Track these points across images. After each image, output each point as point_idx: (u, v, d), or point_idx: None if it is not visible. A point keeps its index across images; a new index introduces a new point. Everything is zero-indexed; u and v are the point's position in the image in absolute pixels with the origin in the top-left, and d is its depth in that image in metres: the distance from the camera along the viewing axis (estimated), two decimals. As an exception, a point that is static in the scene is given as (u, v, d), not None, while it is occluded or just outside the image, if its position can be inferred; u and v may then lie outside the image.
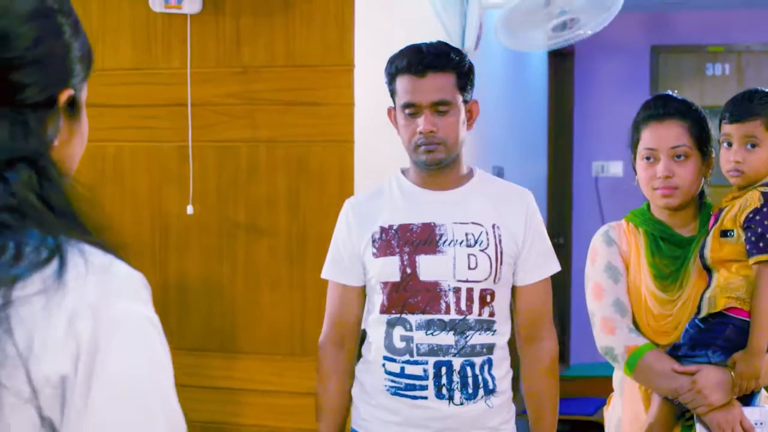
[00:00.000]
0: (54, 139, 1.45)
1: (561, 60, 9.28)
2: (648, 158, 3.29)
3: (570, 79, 9.55)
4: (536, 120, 8.73)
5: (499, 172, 6.75)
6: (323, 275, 3.40)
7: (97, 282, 1.37)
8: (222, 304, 4.36)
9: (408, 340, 3.19)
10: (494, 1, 5.59)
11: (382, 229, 3.25)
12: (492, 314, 3.22)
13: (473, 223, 3.23)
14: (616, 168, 9.31)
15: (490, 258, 3.20)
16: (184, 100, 4.33)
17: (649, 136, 3.30)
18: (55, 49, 1.46)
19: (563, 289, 8.83)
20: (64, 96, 1.47)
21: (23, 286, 1.32)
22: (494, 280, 3.21)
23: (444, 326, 3.17)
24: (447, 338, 3.17)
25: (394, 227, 3.24)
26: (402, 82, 3.20)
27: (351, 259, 3.31)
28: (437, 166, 3.23)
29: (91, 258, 1.40)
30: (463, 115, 3.23)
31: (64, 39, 1.48)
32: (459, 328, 3.17)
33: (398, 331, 3.21)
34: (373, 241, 3.25)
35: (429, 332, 3.17)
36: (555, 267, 3.35)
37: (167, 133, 4.40)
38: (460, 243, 3.20)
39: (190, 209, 4.31)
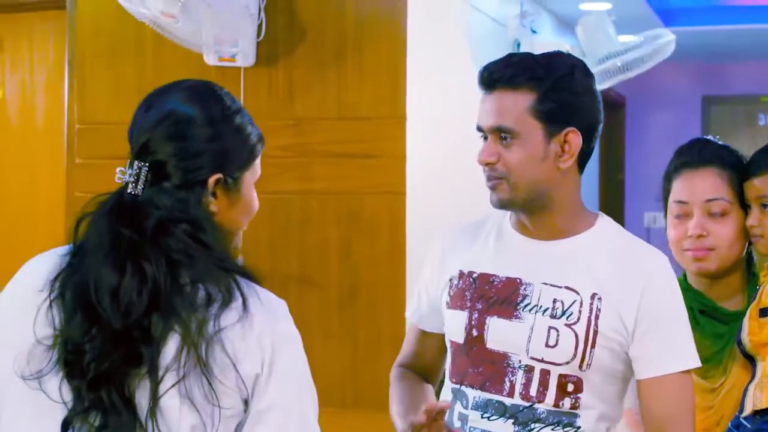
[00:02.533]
0: (207, 208, 2.02)
1: (612, 110, 9.27)
2: (678, 214, 2.77)
3: (621, 130, 9.54)
4: (587, 170, 8.69)
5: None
6: (406, 313, 2.82)
7: (266, 310, 1.98)
8: (274, 355, 4.35)
9: (464, 420, 2.52)
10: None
11: (461, 275, 2.56)
12: (575, 407, 2.43)
13: (567, 288, 2.45)
14: (668, 219, 9.26)
15: (577, 336, 2.42)
16: (237, 151, 4.35)
17: (680, 187, 2.77)
18: (191, 149, 2.01)
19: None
20: (212, 180, 2.01)
21: (225, 317, 1.91)
22: (580, 366, 2.42)
23: (503, 411, 2.45)
24: (504, 427, 2.45)
25: (475, 275, 2.54)
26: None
27: (431, 302, 2.66)
28: (505, 209, 2.53)
29: (258, 291, 2.01)
30: (541, 149, 2.43)
31: (234, 131, 2.08)
32: (521, 418, 2.44)
33: (457, 407, 2.54)
34: (450, 287, 2.59)
35: (485, 415, 2.47)
36: (687, 361, 2.46)
37: (220, 184, 4.42)
38: (544, 311, 2.45)
39: (240, 260, 4.32)
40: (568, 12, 6.65)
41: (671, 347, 2.44)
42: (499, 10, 5.53)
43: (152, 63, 4.52)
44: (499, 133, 2.43)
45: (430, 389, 2.73)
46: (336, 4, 4.30)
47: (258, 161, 2.15)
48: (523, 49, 5.46)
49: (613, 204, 9.28)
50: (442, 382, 2.69)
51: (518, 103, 2.41)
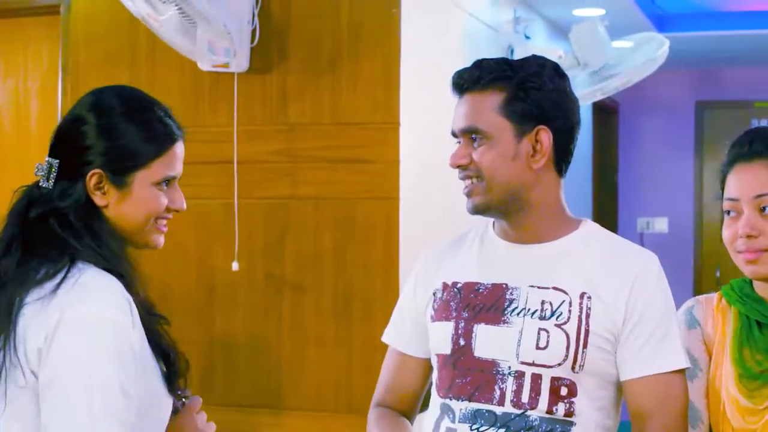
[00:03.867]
0: (83, 201, 2.13)
1: (606, 115, 9.28)
2: (729, 212, 2.46)
3: (614, 135, 9.54)
4: (581, 175, 8.72)
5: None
6: (383, 338, 2.69)
7: (76, 293, 2.02)
8: (268, 360, 4.36)
9: None
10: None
11: (445, 287, 2.50)
12: (569, 414, 2.33)
13: (555, 288, 2.38)
14: (661, 224, 9.27)
15: (568, 336, 2.34)
16: (231, 157, 4.37)
17: (731, 183, 2.46)
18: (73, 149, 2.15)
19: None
20: (90, 175, 2.12)
21: (33, 293, 2.04)
22: (573, 368, 2.33)
23: (493, 421, 2.35)
24: None
25: (459, 285, 2.47)
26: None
27: (414, 322, 2.57)
28: (482, 214, 2.46)
29: (83, 278, 2.04)
30: (512, 148, 2.39)
31: (108, 131, 2.14)
32: (513, 427, 2.33)
33: (444, 422, 2.43)
34: (434, 301, 2.51)
35: (474, 426, 2.36)
36: (676, 361, 2.37)
37: (214, 190, 4.43)
38: (532, 313, 2.37)
39: (235, 266, 4.33)
40: (561, 18, 6.66)
41: (656, 347, 2.35)
42: (492, 16, 5.55)
43: (146, 69, 4.53)
44: (470, 135, 2.41)
45: (407, 428, 2.60)
46: (330, 11, 4.31)
47: (168, 159, 2.20)
48: (517, 55, 5.47)
49: (607, 209, 9.28)
50: (426, 400, 2.59)
51: (487, 104, 2.39)
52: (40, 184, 2.16)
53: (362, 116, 4.25)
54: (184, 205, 2.27)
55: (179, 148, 2.23)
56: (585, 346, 2.33)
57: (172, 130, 2.22)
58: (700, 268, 9.17)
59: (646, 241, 9.26)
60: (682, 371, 2.39)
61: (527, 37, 5.89)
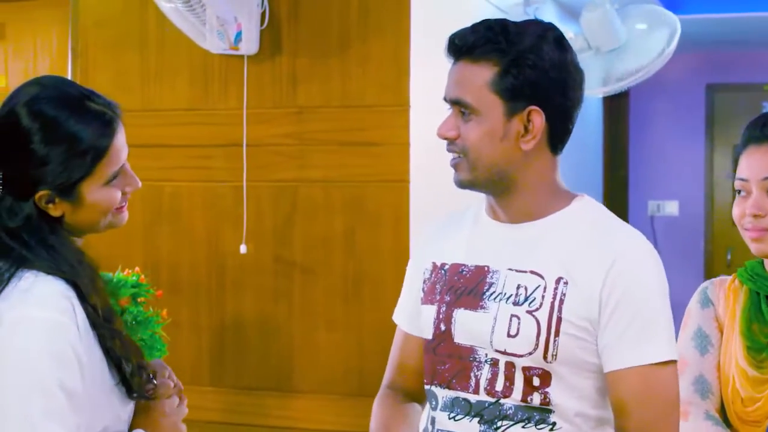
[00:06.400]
0: (28, 218, 2.10)
1: (616, 99, 9.24)
2: (739, 191, 2.56)
3: (625, 119, 9.52)
4: (591, 159, 8.70)
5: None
6: (393, 316, 2.62)
7: (17, 296, 2.01)
8: (278, 343, 4.36)
9: (432, 422, 2.35)
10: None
11: (434, 267, 2.41)
12: (546, 403, 2.21)
13: (531, 272, 2.24)
14: (672, 207, 9.25)
15: (538, 324, 2.20)
16: (240, 140, 4.36)
17: (744, 164, 2.55)
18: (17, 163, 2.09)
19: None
20: (37, 197, 2.09)
21: None
22: (545, 357, 2.20)
23: (468, 409, 2.26)
24: (469, 427, 2.26)
25: (446, 266, 2.37)
26: None
27: (414, 300, 2.47)
28: (468, 189, 2.34)
29: (24, 283, 2.03)
30: (500, 127, 2.24)
31: (31, 157, 2.08)
32: (487, 415, 2.24)
33: (428, 409, 2.38)
34: (424, 282, 2.43)
35: (452, 415, 2.29)
36: (658, 353, 2.19)
37: (223, 173, 4.43)
38: (507, 299, 2.24)
39: (243, 248, 4.33)
40: (572, 0, 6.63)
41: (636, 338, 2.17)
42: (502, -2, 5.53)
43: (155, 52, 4.52)
44: (460, 107, 2.27)
45: (411, 418, 2.49)
46: (339, -8, 4.30)
47: (111, 156, 2.14)
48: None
49: (617, 192, 9.27)
50: None
51: (478, 77, 2.23)
52: None
53: (372, 99, 4.23)
54: (139, 184, 2.23)
55: (120, 137, 2.17)
56: (557, 334, 2.18)
57: (110, 123, 2.15)
58: (711, 251, 9.15)
59: (657, 225, 9.24)
60: (667, 363, 2.19)
61: (537, 20, 5.86)
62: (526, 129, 2.23)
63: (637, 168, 9.48)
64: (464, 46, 2.25)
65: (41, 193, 2.10)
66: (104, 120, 2.14)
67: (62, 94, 2.14)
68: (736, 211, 2.55)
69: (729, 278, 2.63)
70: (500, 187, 2.29)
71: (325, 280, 4.30)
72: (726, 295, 2.60)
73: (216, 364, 4.40)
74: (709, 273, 8.57)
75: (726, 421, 2.53)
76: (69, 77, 4.68)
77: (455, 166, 2.30)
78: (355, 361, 4.24)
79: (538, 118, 2.23)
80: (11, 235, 2.09)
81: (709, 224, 9.15)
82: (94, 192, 2.14)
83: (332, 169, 4.29)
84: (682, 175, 9.33)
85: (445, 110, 2.33)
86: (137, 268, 3.54)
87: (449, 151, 2.31)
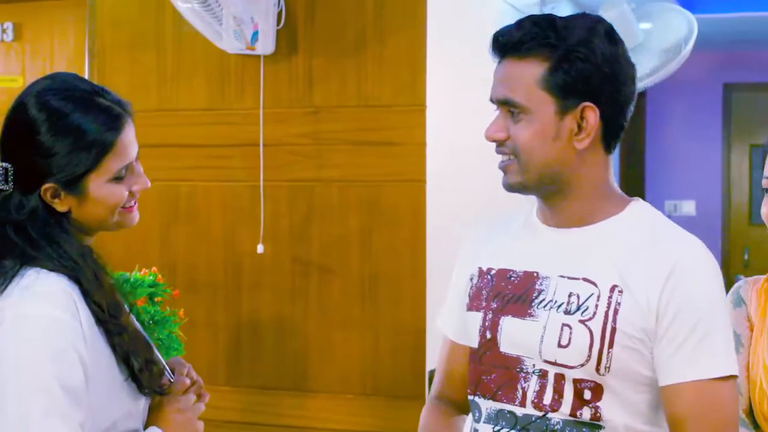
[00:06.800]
0: (34, 211, 2.11)
1: (632, 98, 9.23)
2: (766, 190, 2.47)
3: (641, 118, 9.49)
4: (607, 159, 8.69)
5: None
6: (437, 321, 2.48)
7: (17, 294, 2.01)
8: (294, 343, 4.37)
9: None
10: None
11: (480, 273, 2.28)
12: (596, 417, 2.08)
13: (585, 279, 2.12)
14: (689, 207, 9.22)
15: (591, 334, 2.07)
16: (257, 140, 4.37)
17: None
18: (25, 159, 2.10)
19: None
20: (43, 189, 2.09)
21: None
22: (597, 369, 2.07)
23: (514, 423, 2.15)
24: None
25: (493, 272, 2.25)
26: None
27: (461, 306, 2.33)
28: (518, 192, 2.20)
29: (26, 280, 2.03)
30: (553, 126, 2.12)
31: (37, 149, 2.09)
32: (533, 430, 2.13)
33: (470, 421, 2.26)
34: (470, 288, 2.30)
35: (497, 428, 2.17)
36: (715, 367, 2.06)
37: (240, 172, 4.43)
38: (558, 307, 2.12)
39: (260, 248, 4.34)
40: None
41: (694, 351, 2.05)
42: (519, -3, 5.52)
43: (172, 52, 4.53)
44: (508, 107, 2.12)
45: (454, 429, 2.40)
46: (356, -7, 4.31)
47: (118, 151, 2.14)
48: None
49: (634, 192, 9.16)
50: None
51: (527, 74, 2.10)
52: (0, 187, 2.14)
53: (388, 99, 4.24)
54: (148, 184, 2.21)
55: (128, 133, 2.15)
56: (611, 345, 2.06)
57: (117, 118, 2.14)
58: (728, 251, 9.12)
59: (673, 224, 9.20)
60: (726, 378, 2.06)
61: (554, 19, 5.85)
62: (579, 127, 2.12)
63: (653, 168, 9.46)
64: (510, 42, 2.12)
65: (47, 186, 2.10)
66: (111, 115, 2.13)
67: (71, 87, 2.15)
68: (764, 210, 2.45)
69: (762, 278, 2.52)
70: (552, 189, 2.17)
71: (341, 280, 4.30)
72: (758, 294, 2.50)
73: (232, 364, 4.41)
74: (726, 273, 8.54)
75: (754, 422, 2.44)
76: (86, 77, 4.69)
77: (504, 168, 2.16)
78: (371, 361, 4.24)
79: (593, 115, 2.12)
80: (17, 229, 2.10)
81: (726, 224, 9.12)
82: (100, 187, 2.13)
83: (349, 168, 4.30)
84: (699, 174, 9.30)
85: (492, 111, 2.19)
86: (154, 268, 3.55)
87: (498, 153, 2.16)
